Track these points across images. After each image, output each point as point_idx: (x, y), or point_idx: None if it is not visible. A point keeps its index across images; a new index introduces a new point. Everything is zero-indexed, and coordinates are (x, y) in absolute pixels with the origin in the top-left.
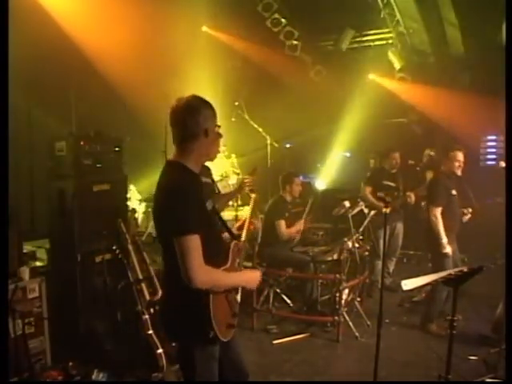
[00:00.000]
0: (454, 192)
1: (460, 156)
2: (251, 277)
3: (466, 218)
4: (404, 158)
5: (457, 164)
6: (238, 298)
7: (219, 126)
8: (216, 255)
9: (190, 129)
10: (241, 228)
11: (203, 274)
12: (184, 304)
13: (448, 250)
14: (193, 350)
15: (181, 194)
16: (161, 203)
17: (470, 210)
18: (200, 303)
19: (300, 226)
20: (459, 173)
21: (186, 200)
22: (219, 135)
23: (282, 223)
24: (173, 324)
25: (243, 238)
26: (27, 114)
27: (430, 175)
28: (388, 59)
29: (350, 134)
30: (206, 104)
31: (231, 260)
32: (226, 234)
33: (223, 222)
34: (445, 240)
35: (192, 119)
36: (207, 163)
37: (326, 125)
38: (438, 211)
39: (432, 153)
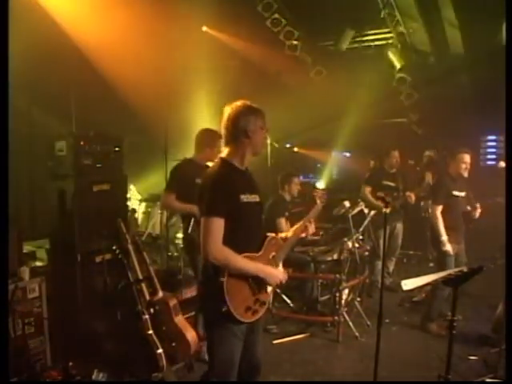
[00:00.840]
0: (456, 193)
1: (467, 158)
2: (270, 272)
3: (477, 213)
4: (404, 158)
5: (463, 166)
6: (269, 290)
7: (266, 130)
8: (246, 243)
9: (231, 133)
10: (296, 230)
11: (217, 251)
12: (206, 280)
13: (448, 247)
14: (212, 326)
15: (214, 182)
16: (201, 189)
17: (478, 204)
18: (217, 281)
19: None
20: (466, 175)
21: (217, 188)
22: (264, 134)
23: (283, 221)
24: (201, 300)
25: (290, 238)
26: (27, 114)
27: (428, 176)
28: (388, 59)
29: (350, 134)
30: (248, 109)
31: (264, 251)
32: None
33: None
34: (444, 238)
35: (232, 125)
36: None
37: (326, 125)
38: (438, 210)
39: (432, 153)
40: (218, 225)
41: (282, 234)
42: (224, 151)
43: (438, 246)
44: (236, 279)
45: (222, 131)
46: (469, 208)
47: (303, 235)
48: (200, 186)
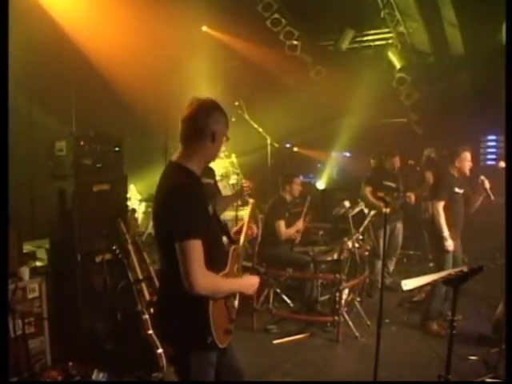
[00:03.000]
0: (457, 190)
1: (470, 156)
2: (249, 283)
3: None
4: (404, 158)
5: (468, 164)
6: (236, 303)
7: (228, 138)
8: (215, 260)
9: (199, 127)
10: (239, 232)
11: (204, 281)
12: (183, 308)
13: (450, 243)
14: (189, 355)
15: (183, 197)
16: (162, 206)
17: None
18: (200, 309)
19: (298, 226)
20: (468, 173)
21: (188, 204)
22: (225, 141)
23: (282, 223)
24: (170, 328)
25: (241, 242)
26: (27, 114)
27: (429, 175)
28: (388, 59)
29: (350, 134)
30: (220, 109)
31: (230, 265)
32: (224, 239)
33: (223, 226)
34: (446, 233)
35: (202, 118)
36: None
37: (326, 125)
38: (440, 205)
39: (431, 153)
40: (198, 248)
41: (241, 242)
42: (178, 151)
43: (437, 242)
44: (216, 304)
45: (183, 123)
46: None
47: (249, 232)
48: (158, 201)
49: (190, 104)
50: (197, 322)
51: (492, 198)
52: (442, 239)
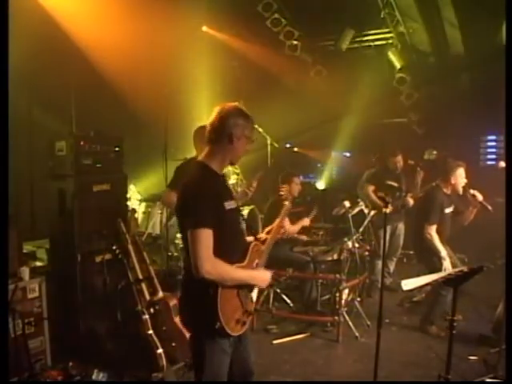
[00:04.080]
0: (447, 210)
1: (464, 173)
2: (260, 275)
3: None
4: (404, 159)
5: (462, 181)
6: (254, 296)
7: (251, 140)
8: (232, 252)
9: (217, 130)
10: (270, 232)
11: (209, 265)
12: (196, 295)
13: (448, 261)
14: (202, 341)
15: (198, 190)
16: (181, 199)
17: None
18: (208, 295)
19: (304, 222)
20: (461, 191)
21: (201, 196)
22: (248, 143)
23: (286, 221)
24: (186, 315)
25: (268, 240)
26: (27, 114)
27: (420, 175)
28: (388, 59)
29: (350, 134)
30: (240, 113)
31: (249, 259)
32: (251, 237)
33: (248, 224)
34: (444, 253)
35: (220, 122)
36: None
37: (326, 125)
38: (433, 229)
39: (432, 155)
40: (206, 236)
41: (262, 235)
42: (204, 152)
43: (430, 259)
44: (227, 292)
45: (207, 129)
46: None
47: (279, 236)
48: (179, 196)
49: (215, 110)
50: (206, 308)
51: (490, 208)
52: (441, 259)
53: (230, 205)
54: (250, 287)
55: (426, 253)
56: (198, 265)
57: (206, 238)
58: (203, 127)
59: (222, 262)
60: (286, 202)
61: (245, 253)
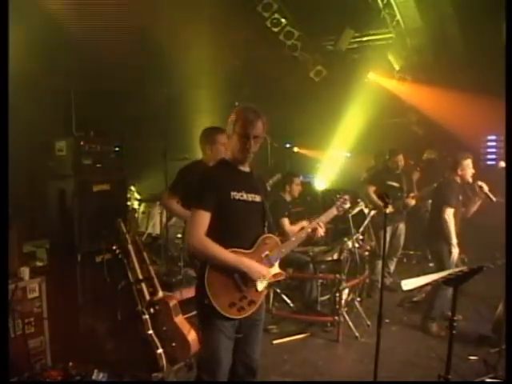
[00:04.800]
0: (460, 197)
1: (471, 163)
2: (257, 269)
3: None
4: (404, 159)
5: (470, 171)
6: (259, 286)
7: (247, 138)
8: (235, 238)
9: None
10: (300, 232)
11: (197, 241)
12: (197, 273)
13: (457, 250)
14: (199, 318)
15: (203, 176)
16: (194, 184)
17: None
18: (201, 273)
19: (303, 224)
20: (471, 180)
21: (206, 182)
22: (242, 142)
23: (286, 221)
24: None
25: (292, 238)
26: (27, 114)
27: (416, 175)
28: (388, 59)
29: (350, 134)
30: (238, 112)
31: (257, 249)
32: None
33: (268, 218)
34: (455, 241)
35: (228, 124)
36: None
37: (326, 125)
38: (451, 212)
39: (432, 155)
40: (203, 218)
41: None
42: None
43: (437, 246)
44: (219, 272)
45: None
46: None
47: (309, 236)
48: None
49: None
50: (198, 285)
51: (494, 199)
52: (449, 245)
53: (242, 196)
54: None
55: (435, 238)
56: (188, 240)
57: (202, 218)
58: (212, 128)
59: (211, 242)
60: (334, 209)
61: (254, 242)
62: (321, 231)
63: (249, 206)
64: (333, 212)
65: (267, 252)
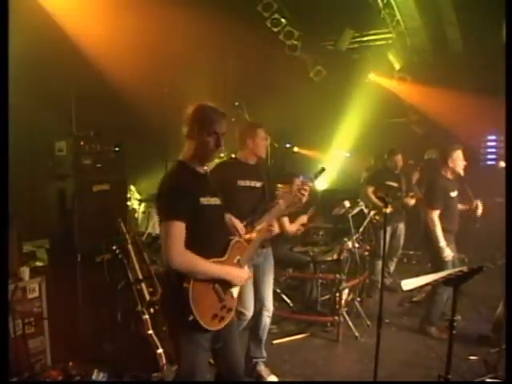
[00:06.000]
0: (452, 194)
1: (462, 155)
2: (235, 272)
3: (479, 211)
4: (404, 159)
5: (461, 163)
6: (234, 292)
7: (218, 137)
8: (209, 247)
9: (186, 129)
10: (259, 231)
11: (179, 257)
12: (171, 288)
13: (448, 253)
14: (178, 334)
15: (170, 185)
16: (157, 195)
17: (479, 202)
18: (182, 288)
19: (302, 220)
20: (462, 172)
21: (174, 191)
22: (215, 141)
23: (286, 220)
24: (164, 308)
25: (255, 239)
26: (27, 114)
27: (416, 176)
28: (388, 59)
29: (350, 134)
30: (202, 110)
31: (229, 255)
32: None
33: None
34: (443, 244)
35: (186, 121)
36: None
37: (326, 125)
38: (436, 214)
39: (433, 155)
40: (180, 229)
41: (246, 236)
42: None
43: (434, 250)
44: (201, 285)
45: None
46: (463, 207)
47: (267, 235)
48: (157, 191)
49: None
50: (179, 301)
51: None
52: (439, 249)
53: (208, 201)
54: (228, 282)
55: (431, 250)
56: (169, 256)
57: (178, 230)
58: (252, 123)
59: (194, 255)
60: (281, 201)
61: (225, 249)
62: (274, 229)
63: (216, 210)
64: (280, 207)
65: (238, 256)
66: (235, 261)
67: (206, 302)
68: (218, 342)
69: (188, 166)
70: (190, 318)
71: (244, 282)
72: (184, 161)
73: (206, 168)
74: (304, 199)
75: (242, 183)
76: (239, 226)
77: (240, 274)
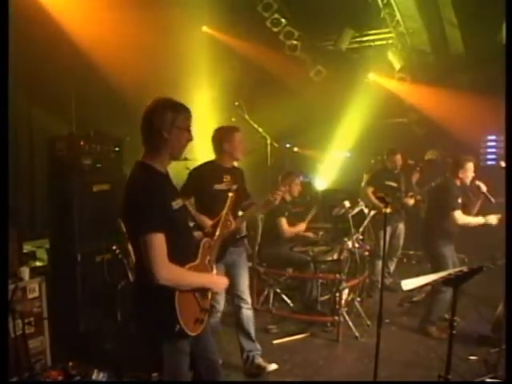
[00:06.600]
0: (459, 200)
1: (473, 167)
2: (217, 280)
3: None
4: (404, 159)
5: (471, 175)
6: (209, 294)
7: (188, 130)
8: (183, 251)
9: (145, 127)
10: (215, 226)
11: (166, 272)
12: (151, 299)
13: (491, 218)
14: (161, 344)
15: (144, 193)
16: (126, 203)
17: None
18: (166, 298)
19: (301, 227)
20: (469, 183)
21: (148, 199)
22: (186, 136)
23: (284, 221)
24: (141, 318)
25: (217, 235)
26: (27, 114)
27: (415, 176)
28: (388, 59)
29: (350, 134)
30: (164, 106)
31: (201, 257)
32: (199, 232)
33: (195, 221)
34: (481, 220)
35: (146, 121)
36: None
37: (326, 125)
38: (459, 213)
39: (434, 156)
40: (160, 240)
41: (217, 235)
42: (143, 152)
43: (432, 249)
44: (184, 294)
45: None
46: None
47: (226, 230)
48: (123, 199)
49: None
50: (164, 312)
51: (492, 200)
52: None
53: (177, 204)
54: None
55: (431, 241)
56: (155, 271)
57: (160, 242)
58: (228, 127)
59: (178, 267)
60: (230, 194)
61: (196, 251)
62: (232, 224)
63: (183, 213)
64: (231, 198)
65: (208, 257)
66: (206, 261)
67: (189, 310)
68: (198, 344)
69: (152, 167)
70: (177, 327)
71: (224, 288)
72: (148, 163)
73: (166, 168)
74: (276, 202)
75: (218, 187)
76: (208, 221)
77: (219, 281)
